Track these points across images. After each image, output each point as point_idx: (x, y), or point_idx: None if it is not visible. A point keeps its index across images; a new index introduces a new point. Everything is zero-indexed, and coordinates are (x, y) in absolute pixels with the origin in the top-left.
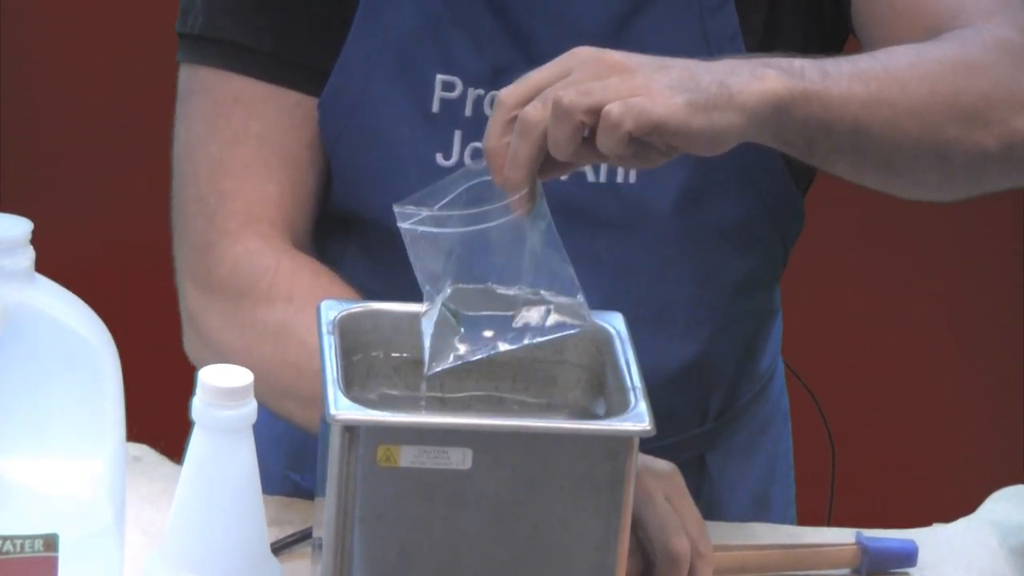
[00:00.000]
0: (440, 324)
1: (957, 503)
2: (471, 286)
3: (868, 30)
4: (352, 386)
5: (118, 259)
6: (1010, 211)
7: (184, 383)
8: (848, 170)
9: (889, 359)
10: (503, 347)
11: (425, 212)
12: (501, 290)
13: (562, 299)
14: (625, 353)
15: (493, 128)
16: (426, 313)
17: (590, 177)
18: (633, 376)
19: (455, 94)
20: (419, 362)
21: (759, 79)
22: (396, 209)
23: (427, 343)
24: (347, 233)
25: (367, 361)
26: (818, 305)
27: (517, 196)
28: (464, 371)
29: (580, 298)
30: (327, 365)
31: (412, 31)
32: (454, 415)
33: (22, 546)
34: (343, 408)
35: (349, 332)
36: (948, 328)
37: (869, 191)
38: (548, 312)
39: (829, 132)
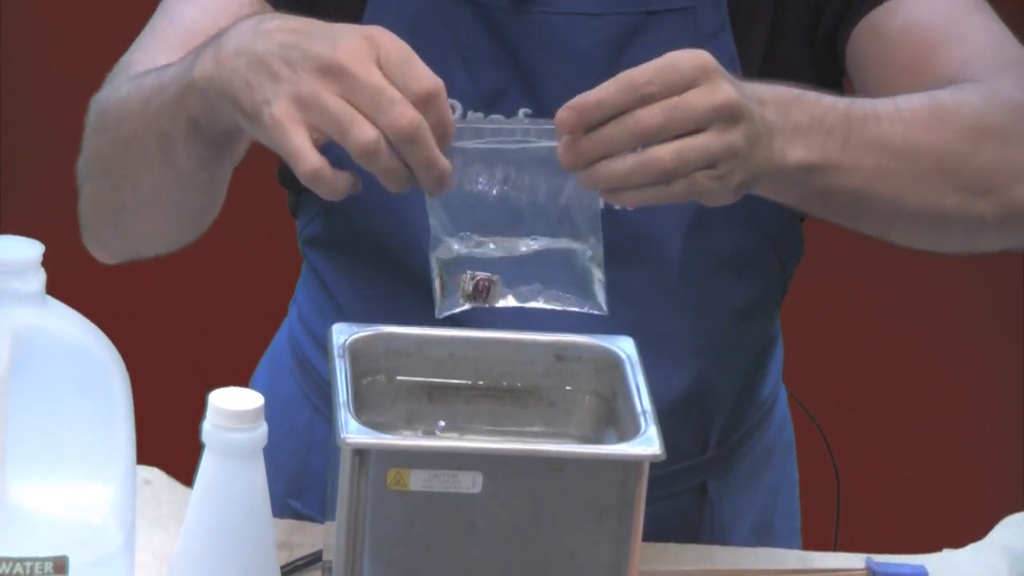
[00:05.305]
0: (452, 267)
1: (965, 529)
2: (487, 236)
3: (866, 75)
4: (362, 410)
5: (128, 281)
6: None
7: (195, 406)
8: (844, 224)
9: (893, 384)
10: (510, 302)
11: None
12: (518, 240)
13: (573, 309)
14: (635, 377)
15: (605, 94)
16: (436, 250)
17: None
18: (643, 400)
19: (455, 116)
20: (430, 386)
21: (782, 153)
22: None
23: (436, 284)
24: (335, 258)
25: (377, 384)
26: (820, 331)
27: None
28: (474, 395)
29: (600, 296)
30: (338, 389)
31: None
32: (464, 439)
33: (32, 569)
34: (353, 432)
35: (360, 356)
36: (954, 352)
37: None
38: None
39: (827, 197)
